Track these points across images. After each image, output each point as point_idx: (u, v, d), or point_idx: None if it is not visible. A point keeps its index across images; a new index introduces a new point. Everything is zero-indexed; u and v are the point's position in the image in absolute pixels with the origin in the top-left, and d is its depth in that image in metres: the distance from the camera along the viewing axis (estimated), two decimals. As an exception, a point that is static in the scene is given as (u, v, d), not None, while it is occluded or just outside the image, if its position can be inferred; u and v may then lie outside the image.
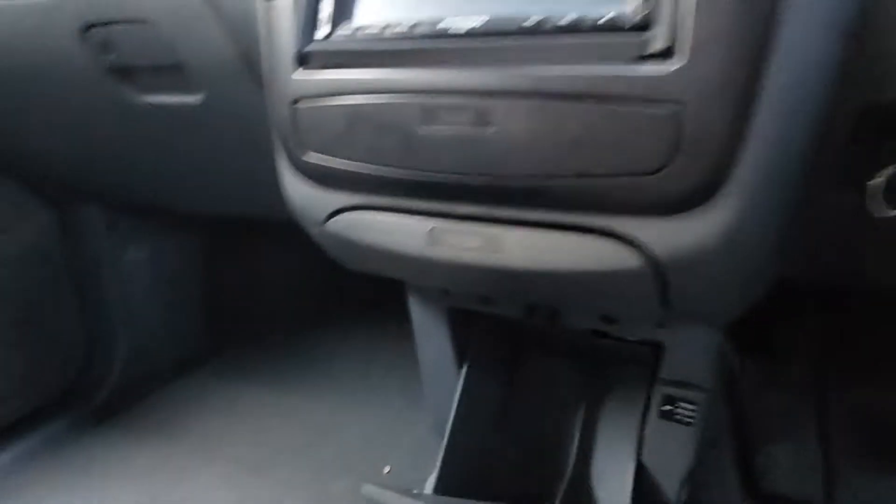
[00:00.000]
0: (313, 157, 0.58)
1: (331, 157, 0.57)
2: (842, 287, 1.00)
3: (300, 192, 0.63)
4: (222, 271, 1.42)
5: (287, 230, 0.73)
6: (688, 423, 0.75)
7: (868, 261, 0.70)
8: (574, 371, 0.94)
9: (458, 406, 0.85)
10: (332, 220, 0.61)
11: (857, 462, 1.01)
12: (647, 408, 0.78)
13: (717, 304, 0.57)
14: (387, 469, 1.17)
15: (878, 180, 0.58)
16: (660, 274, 0.51)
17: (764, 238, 0.50)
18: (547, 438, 0.94)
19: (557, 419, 0.93)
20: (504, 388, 0.94)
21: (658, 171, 0.46)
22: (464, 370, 0.86)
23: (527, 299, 0.71)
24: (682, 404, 0.74)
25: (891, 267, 0.71)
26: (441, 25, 0.52)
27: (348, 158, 0.56)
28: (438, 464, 0.83)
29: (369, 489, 0.76)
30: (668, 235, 0.49)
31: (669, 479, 0.77)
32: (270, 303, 1.46)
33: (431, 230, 0.56)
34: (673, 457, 0.77)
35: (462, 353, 0.86)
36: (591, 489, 0.88)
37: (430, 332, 0.86)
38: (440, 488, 0.82)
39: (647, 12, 0.45)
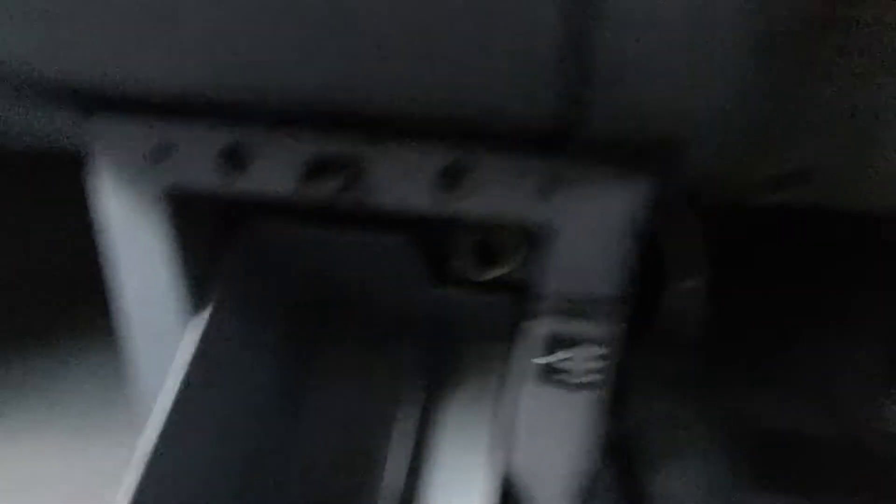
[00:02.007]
0: None
1: None
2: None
3: None
4: None
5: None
6: (583, 386, 0.42)
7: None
8: (405, 338, 0.59)
9: (188, 379, 0.45)
10: None
11: (746, 483, 0.77)
12: (515, 374, 0.45)
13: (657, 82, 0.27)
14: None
15: None
16: None
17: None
18: (357, 441, 0.56)
19: (377, 409, 0.57)
20: (279, 358, 0.55)
21: None
22: (205, 319, 0.47)
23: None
24: (581, 349, 0.41)
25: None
26: None
27: None
28: (137, 477, 0.42)
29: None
30: None
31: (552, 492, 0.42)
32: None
33: None
34: (558, 450, 0.43)
35: (198, 288, 0.48)
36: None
37: (134, 245, 0.46)
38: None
39: None
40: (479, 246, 0.54)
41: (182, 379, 0.45)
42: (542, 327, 0.41)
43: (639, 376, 0.82)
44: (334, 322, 0.58)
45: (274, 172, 0.42)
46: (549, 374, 0.42)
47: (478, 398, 0.55)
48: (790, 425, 0.81)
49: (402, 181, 0.40)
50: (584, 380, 0.42)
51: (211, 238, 0.49)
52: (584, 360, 0.41)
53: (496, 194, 0.39)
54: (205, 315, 0.47)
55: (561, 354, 0.41)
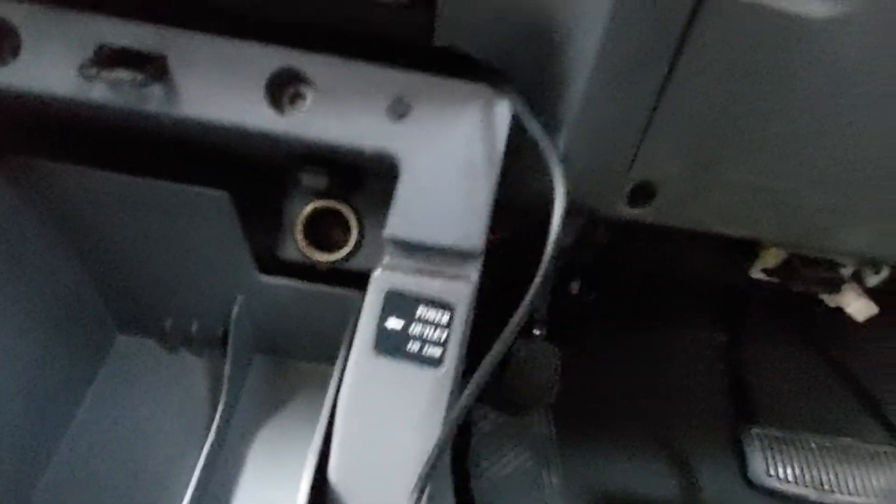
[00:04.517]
0: None
1: None
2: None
3: None
4: None
5: None
6: (425, 359, 0.35)
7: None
8: (216, 330, 0.48)
9: None
10: None
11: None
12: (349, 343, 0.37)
13: None
14: None
15: None
16: None
17: None
18: (138, 455, 0.44)
19: (170, 417, 0.45)
20: (35, 348, 0.42)
21: None
22: None
23: None
24: (425, 309, 0.35)
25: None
26: None
27: None
28: None
29: None
30: None
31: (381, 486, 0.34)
32: None
33: None
34: (390, 437, 0.35)
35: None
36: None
37: None
38: None
39: None
40: (309, 228, 0.47)
41: None
42: (379, 283, 0.34)
43: (492, 433, 0.77)
44: (123, 297, 0.47)
45: (49, 63, 0.32)
46: (385, 341, 0.34)
47: (307, 400, 0.46)
48: (639, 489, 0.79)
49: (220, 88, 0.32)
50: (428, 351, 0.35)
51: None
52: (428, 326, 0.34)
53: (336, 111, 0.33)
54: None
55: (399, 318, 0.34)
